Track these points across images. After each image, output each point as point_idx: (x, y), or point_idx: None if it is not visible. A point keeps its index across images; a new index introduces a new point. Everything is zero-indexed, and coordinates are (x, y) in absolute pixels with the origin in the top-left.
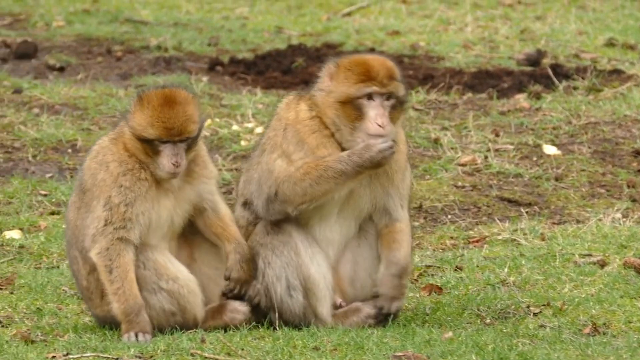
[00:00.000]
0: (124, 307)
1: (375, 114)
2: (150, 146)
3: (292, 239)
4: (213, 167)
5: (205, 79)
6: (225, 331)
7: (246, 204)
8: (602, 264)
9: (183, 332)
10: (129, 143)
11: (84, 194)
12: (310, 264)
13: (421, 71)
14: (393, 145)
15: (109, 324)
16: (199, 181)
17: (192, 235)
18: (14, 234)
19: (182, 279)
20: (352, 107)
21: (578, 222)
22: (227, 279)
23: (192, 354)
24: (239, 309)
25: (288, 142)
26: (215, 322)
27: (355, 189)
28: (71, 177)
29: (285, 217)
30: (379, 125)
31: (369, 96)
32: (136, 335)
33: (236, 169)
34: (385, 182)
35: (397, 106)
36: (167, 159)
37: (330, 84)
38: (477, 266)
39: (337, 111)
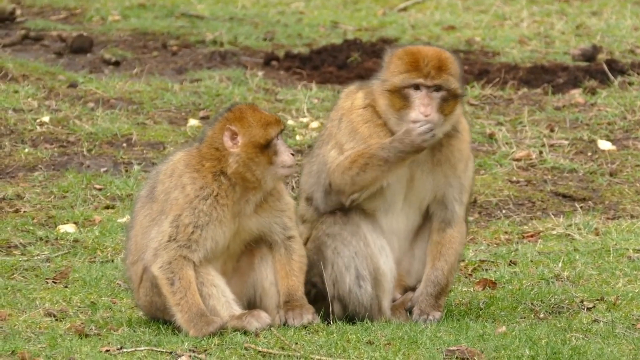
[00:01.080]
0: (187, 316)
1: (420, 103)
2: (268, 148)
3: (361, 229)
4: (289, 199)
5: (260, 73)
6: (246, 333)
7: (309, 199)
8: None
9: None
10: (237, 164)
11: (152, 203)
12: (380, 255)
13: (476, 66)
14: (433, 128)
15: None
16: (269, 213)
17: (258, 245)
18: (69, 228)
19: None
20: (400, 96)
21: (632, 217)
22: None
23: (245, 348)
24: (260, 316)
25: (342, 132)
26: (235, 323)
27: (417, 175)
28: (126, 171)
29: (352, 208)
30: (423, 114)
31: (416, 86)
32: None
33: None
34: (448, 169)
35: (449, 98)
36: (285, 154)
37: (385, 73)
38: (531, 261)
39: (386, 100)
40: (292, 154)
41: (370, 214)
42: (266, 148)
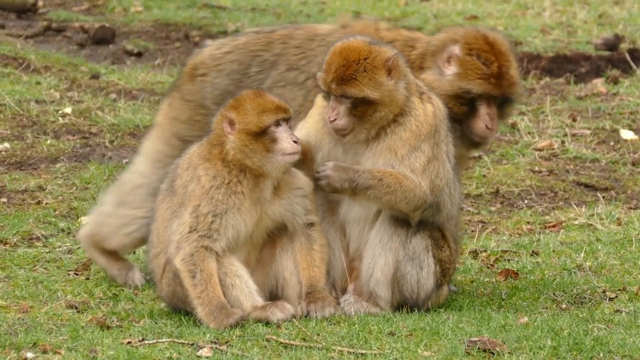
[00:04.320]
0: (207, 309)
1: (330, 107)
2: (264, 135)
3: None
4: (306, 180)
5: None
6: (267, 325)
7: None
8: None
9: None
10: (235, 151)
11: (172, 196)
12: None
13: None
14: (341, 129)
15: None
16: (289, 194)
17: (279, 235)
18: None
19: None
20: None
21: None
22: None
23: (267, 340)
24: (285, 307)
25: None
26: (258, 313)
27: (362, 164)
28: None
29: None
30: (329, 118)
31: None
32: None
33: None
34: (389, 156)
35: (359, 104)
36: (285, 141)
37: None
38: (554, 251)
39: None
40: (295, 141)
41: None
42: (261, 135)
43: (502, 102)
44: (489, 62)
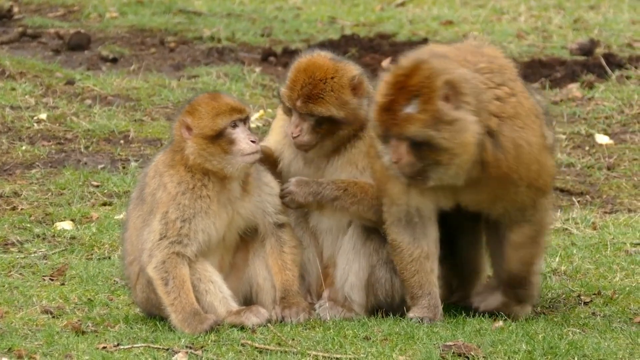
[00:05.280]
0: (181, 316)
1: (291, 123)
2: (221, 138)
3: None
4: (271, 179)
5: (258, 69)
6: (242, 329)
7: None
8: None
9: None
10: (194, 155)
11: (142, 204)
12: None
13: None
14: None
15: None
16: (259, 190)
17: (251, 239)
18: (66, 225)
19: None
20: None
21: (630, 211)
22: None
23: (242, 344)
24: (259, 312)
25: None
26: (233, 319)
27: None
28: (123, 168)
29: None
30: (292, 134)
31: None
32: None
33: None
34: (350, 168)
35: (324, 121)
36: (243, 142)
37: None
38: None
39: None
40: (253, 141)
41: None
42: (217, 138)
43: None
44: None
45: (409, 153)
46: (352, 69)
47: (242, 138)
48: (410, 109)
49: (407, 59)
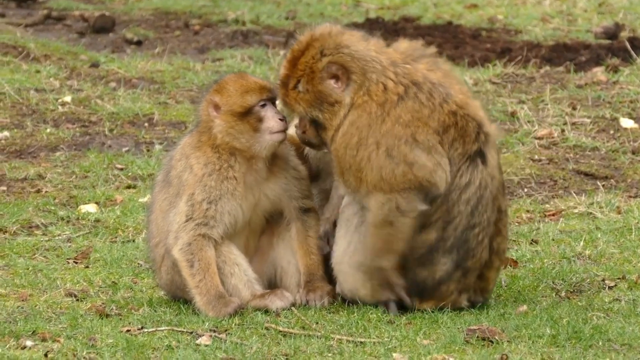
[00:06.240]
0: (206, 299)
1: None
2: (249, 115)
3: None
4: (298, 163)
5: (282, 52)
6: (266, 313)
7: None
8: None
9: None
10: (222, 134)
11: (169, 187)
12: None
13: (499, 44)
14: None
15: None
16: (286, 173)
17: (276, 222)
18: (90, 208)
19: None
20: None
21: None
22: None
23: (266, 328)
24: (284, 295)
25: None
26: (257, 302)
27: None
28: (147, 150)
29: None
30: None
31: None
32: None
33: None
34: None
35: None
36: (272, 120)
37: None
38: (553, 239)
39: None
40: (281, 119)
41: None
42: (246, 115)
43: None
44: None
45: (310, 127)
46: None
47: (270, 116)
48: (299, 88)
49: (304, 35)
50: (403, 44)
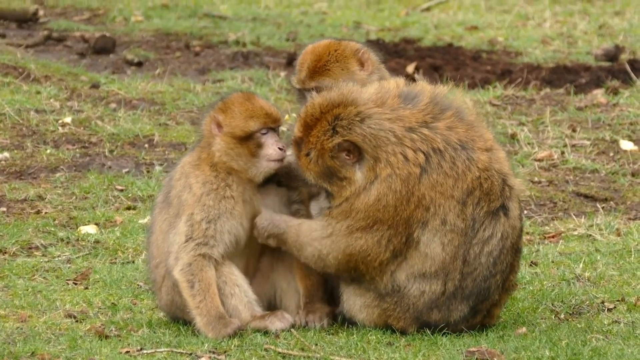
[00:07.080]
0: (206, 319)
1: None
2: (250, 140)
3: None
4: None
5: (283, 73)
6: (266, 334)
7: None
8: None
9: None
10: (220, 153)
11: (168, 208)
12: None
13: (499, 66)
14: None
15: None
16: (283, 191)
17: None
18: (90, 229)
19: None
20: None
21: None
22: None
23: (265, 349)
24: (284, 317)
25: None
26: (257, 323)
27: None
28: (147, 172)
29: None
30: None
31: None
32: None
33: None
34: None
35: None
36: (271, 148)
37: None
38: (552, 261)
39: None
40: (281, 148)
41: None
42: (246, 140)
43: None
44: None
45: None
46: (357, 44)
47: (270, 144)
48: (310, 156)
49: (318, 98)
50: (424, 98)
